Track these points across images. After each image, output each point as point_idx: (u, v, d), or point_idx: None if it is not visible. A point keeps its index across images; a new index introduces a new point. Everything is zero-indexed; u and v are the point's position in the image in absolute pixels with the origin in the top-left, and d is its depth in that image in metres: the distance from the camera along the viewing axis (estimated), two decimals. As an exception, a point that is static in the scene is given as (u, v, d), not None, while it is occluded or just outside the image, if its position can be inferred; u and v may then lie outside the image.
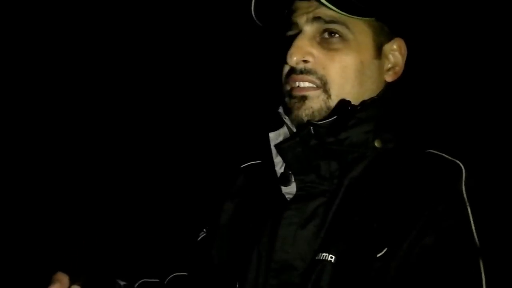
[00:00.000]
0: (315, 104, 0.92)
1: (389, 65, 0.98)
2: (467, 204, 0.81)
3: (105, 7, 2.09)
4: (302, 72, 0.93)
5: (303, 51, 0.92)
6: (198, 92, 2.00)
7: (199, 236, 1.07)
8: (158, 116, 2.06)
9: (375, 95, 0.95)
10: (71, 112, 2.12)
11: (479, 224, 0.80)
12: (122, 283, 0.97)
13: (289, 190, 0.95)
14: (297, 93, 0.94)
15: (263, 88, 1.10)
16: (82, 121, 2.12)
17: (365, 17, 0.92)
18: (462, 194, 0.82)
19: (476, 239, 0.79)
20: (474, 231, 0.80)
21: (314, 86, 0.93)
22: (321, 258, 0.84)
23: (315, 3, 0.91)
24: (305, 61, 0.93)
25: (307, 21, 0.93)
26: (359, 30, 0.92)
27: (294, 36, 0.94)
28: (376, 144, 0.90)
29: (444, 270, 0.79)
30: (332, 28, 0.91)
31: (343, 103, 0.91)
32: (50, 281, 0.87)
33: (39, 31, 2.11)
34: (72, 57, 2.13)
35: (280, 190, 0.95)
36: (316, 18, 0.92)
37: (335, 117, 0.90)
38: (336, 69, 0.92)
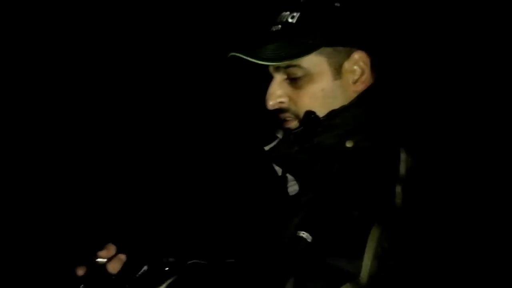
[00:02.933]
0: None
1: (356, 77, 1.12)
2: (400, 182, 0.99)
3: (105, 7, 2.18)
4: (280, 111, 1.15)
5: (275, 97, 1.14)
6: (203, 105, 2.13)
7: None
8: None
9: (346, 104, 1.12)
10: (71, 112, 2.22)
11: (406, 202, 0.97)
12: (170, 259, 1.10)
13: (294, 188, 1.16)
14: (283, 125, 1.16)
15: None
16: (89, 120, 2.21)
17: (307, 54, 1.09)
18: (397, 173, 1.01)
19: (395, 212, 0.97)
20: (397, 206, 0.97)
21: (292, 118, 1.14)
22: (299, 235, 1.04)
23: None
24: (281, 102, 1.14)
25: (274, 70, 1.14)
26: (313, 63, 1.11)
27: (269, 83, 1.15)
28: (348, 144, 1.08)
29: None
30: (290, 72, 1.12)
31: (307, 115, 1.12)
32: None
33: (39, 31, 2.20)
34: (72, 57, 2.22)
35: (286, 189, 1.17)
36: (277, 68, 1.13)
37: (303, 126, 1.11)
38: (304, 102, 1.12)
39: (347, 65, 1.12)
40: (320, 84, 1.11)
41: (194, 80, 2.19)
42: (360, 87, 1.13)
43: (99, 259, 1.06)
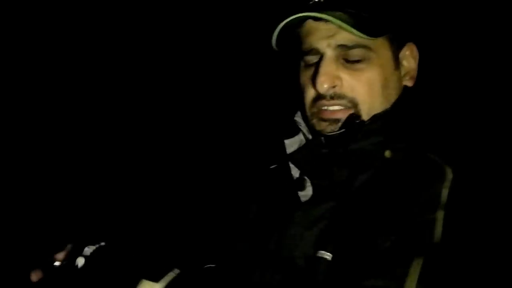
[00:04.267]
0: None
1: (405, 71, 1.00)
2: (442, 207, 0.84)
3: (105, 7, 2.12)
4: (332, 97, 0.95)
5: (332, 78, 0.93)
6: (219, 96, 2.04)
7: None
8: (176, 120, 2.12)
9: (388, 108, 0.97)
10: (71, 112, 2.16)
11: (447, 229, 0.82)
12: None
13: (305, 193, 0.98)
14: (329, 116, 0.96)
15: (281, 96, 1.13)
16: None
17: (385, 35, 0.94)
18: (439, 197, 0.85)
19: (436, 242, 0.81)
20: (436, 234, 0.82)
21: (345, 108, 0.95)
22: (319, 255, 0.87)
23: (334, 26, 0.91)
24: (333, 86, 0.94)
25: (329, 46, 0.94)
26: (379, 46, 0.95)
27: (317, 62, 0.95)
28: (387, 154, 0.93)
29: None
30: (355, 53, 0.93)
31: (351, 117, 0.94)
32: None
33: (39, 31, 2.13)
34: (72, 57, 2.15)
35: (297, 192, 0.99)
36: (340, 46, 0.93)
37: (343, 130, 0.94)
38: (364, 89, 0.94)
39: (401, 56, 0.99)
40: (382, 72, 0.95)
41: (205, 78, 2.11)
42: (409, 83, 1.01)
43: (56, 262, 0.90)
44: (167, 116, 2.11)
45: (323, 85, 0.93)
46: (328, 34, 0.93)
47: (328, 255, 0.86)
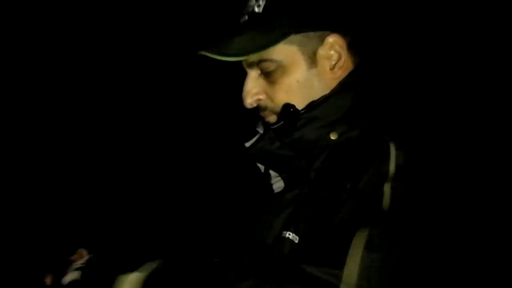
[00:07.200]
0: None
1: (333, 63, 1.05)
2: (389, 180, 0.90)
3: (105, 7, 2.20)
4: (259, 109, 1.09)
5: (251, 94, 1.08)
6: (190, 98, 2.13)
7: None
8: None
9: (327, 94, 1.04)
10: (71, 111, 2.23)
11: (394, 199, 0.89)
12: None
13: (279, 185, 1.10)
14: (264, 120, 1.10)
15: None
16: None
17: (275, 44, 1.02)
18: (387, 171, 0.91)
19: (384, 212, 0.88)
20: (384, 206, 0.88)
21: (270, 114, 1.08)
22: (283, 235, 0.99)
23: None
24: (259, 99, 1.08)
25: (247, 66, 1.08)
26: (285, 54, 1.03)
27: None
28: (332, 136, 1.01)
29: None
30: (263, 66, 1.05)
31: (285, 109, 1.05)
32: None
33: (39, 31, 2.21)
34: (72, 57, 2.23)
35: (271, 185, 1.11)
36: (250, 64, 1.06)
37: (282, 121, 1.04)
38: (281, 96, 1.05)
39: (321, 51, 1.05)
40: (295, 76, 1.04)
41: (173, 77, 2.21)
42: (339, 73, 1.06)
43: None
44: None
45: (246, 102, 1.08)
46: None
47: (292, 236, 0.97)
